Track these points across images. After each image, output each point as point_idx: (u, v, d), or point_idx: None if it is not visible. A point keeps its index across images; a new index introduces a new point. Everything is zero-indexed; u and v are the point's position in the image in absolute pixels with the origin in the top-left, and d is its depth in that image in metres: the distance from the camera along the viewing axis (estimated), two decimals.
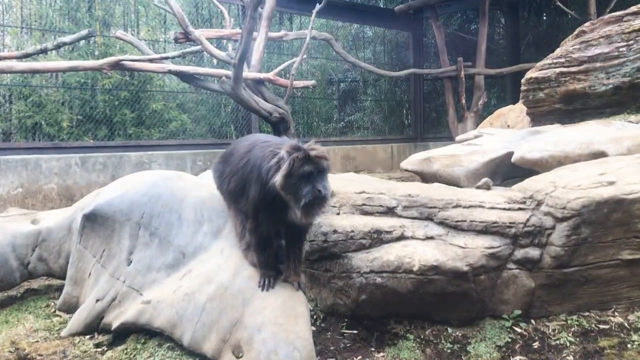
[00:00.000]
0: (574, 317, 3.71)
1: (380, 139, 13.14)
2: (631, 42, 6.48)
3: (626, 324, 3.55)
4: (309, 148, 3.16)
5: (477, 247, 3.69)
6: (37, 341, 3.78)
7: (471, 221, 3.85)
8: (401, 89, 14.53)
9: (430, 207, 4.03)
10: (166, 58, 8.20)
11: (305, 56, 9.31)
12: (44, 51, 7.29)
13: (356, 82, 14.32)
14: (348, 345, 3.72)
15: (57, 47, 7.35)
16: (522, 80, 7.29)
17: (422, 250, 3.74)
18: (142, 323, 3.61)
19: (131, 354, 3.56)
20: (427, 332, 3.70)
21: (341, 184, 4.47)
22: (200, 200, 3.98)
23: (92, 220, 4.01)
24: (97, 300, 3.84)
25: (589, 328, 3.58)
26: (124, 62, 8.00)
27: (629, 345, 3.34)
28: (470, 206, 3.96)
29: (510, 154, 6.02)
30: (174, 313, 3.52)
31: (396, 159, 12.40)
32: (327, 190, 3.16)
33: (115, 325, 3.71)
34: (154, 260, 3.83)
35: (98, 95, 9.78)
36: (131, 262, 3.87)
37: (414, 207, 4.07)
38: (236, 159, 3.58)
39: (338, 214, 4.20)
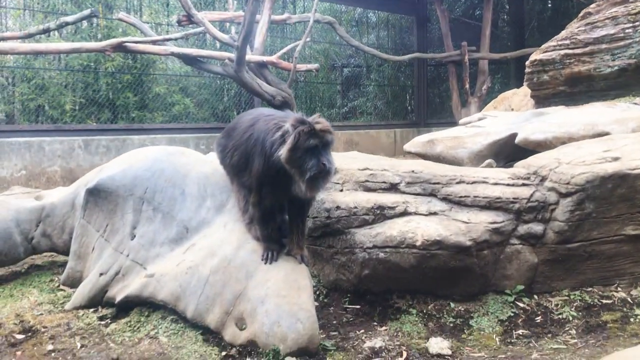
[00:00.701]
0: (577, 292, 3.71)
1: (383, 124, 13.11)
2: (637, 23, 6.43)
3: (629, 299, 3.55)
4: (314, 121, 3.15)
5: (481, 222, 3.69)
6: (42, 314, 3.80)
7: (475, 197, 3.84)
8: (405, 74, 14.47)
9: (434, 183, 4.02)
10: (169, 40, 8.17)
11: (308, 40, 9.27)
12: (46, 31, 7.27)
13: (359, 68, 14.27)
14: (351, 319, 3.74)
15: (60, 26, 7.32)
16: (527, 63, 7.24)
17: (425, 226, 3.74)
18: (146, 296, 3.63)
19: (135, 326, 3.58)
20: (429, 307, 3.71)
21: (344, 161, 4.47)
22: (204, 176, 3.98)
23: (96, 195, 4.02)
24: (101, 274, 3.85)
25: (591, 303, 3.58)
26: (126, 43, 7.98)
27: (631, 319, 3.34)
28: (474, 182, 3.96)
29: (514, 135, 5.99)
30: (177, 286, 3.53)
31: (399, 144, 12.39)
32: (331, 164, 3.16)
33: (118, 298, 3.72)
34: (157, 235, 3.84)
35: (101, 79, 9.76)
36: (135, 236, 3.88)
37: (417, 183, 4.07)
38: (239, 132, 3.57)
39: (341, 190, 4.19)
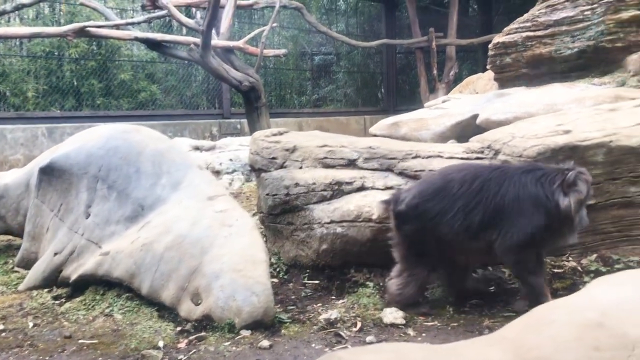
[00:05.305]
0: None
1: (353, 111, 13.15)
2: (595, 5, 6.51)
3: (579, 268, 3.63)
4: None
5: None
6: None
7: (429, 170, 3.88)
8: (374, 61, 14.52)
9: (390, 159, 4.05)
10: (132, 24, 8.08)
11: (275, 25, 9.24)
12: (2, 14, 7.10)
13: (329, 55, 14.26)
14: (309, 294, 3.76)
15: (16, 8, 7.18)
16: (490, 45, 7.30)
17: (381, 199, 3.75)
18: (101, 274, 3.59)
19: (89, 304, 3.54)
20: (386, 280, 3.74)
21: (305, 138, 4.47)
22: (159, 153, 3.94)
23: (49, 173, 3.95)
24: (55, 254, 3.80)
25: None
26: (89, 28, 7.87)
27: (580, 286, 3.41)
28: (429, 156, 3.99)
29: (476, 116, 6.05)
30: (132, 263, 3.51)
31: (369, 130, 12.42)
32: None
33: (73, 277, 3.68)
34: (112, 213, 3.80)
35: (65, 65, 9.60)
36: (89, 215, 3.83)
37: (375, 159, 4.09)
38: (464, 191, 3.18)
39: (300, 167, 4.20)
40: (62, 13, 9.72)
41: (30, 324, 3.34)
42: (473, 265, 3.62)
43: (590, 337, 1.55)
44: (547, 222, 3.06)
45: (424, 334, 3.08)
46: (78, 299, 3.61)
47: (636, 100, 4.51)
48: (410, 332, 3.12)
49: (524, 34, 6.95)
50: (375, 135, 7.12)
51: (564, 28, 6.67)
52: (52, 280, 3.78)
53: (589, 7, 6.56)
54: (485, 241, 3.17)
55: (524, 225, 3.08)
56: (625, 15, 6.09)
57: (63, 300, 3.65)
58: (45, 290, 3.76)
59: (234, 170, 6.66)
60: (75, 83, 9.56)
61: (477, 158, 3.95)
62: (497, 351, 1.56)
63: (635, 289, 1.69)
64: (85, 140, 4.02)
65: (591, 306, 1.69)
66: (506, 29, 7.24)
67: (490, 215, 3.11)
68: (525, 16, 7.14)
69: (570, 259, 3.73)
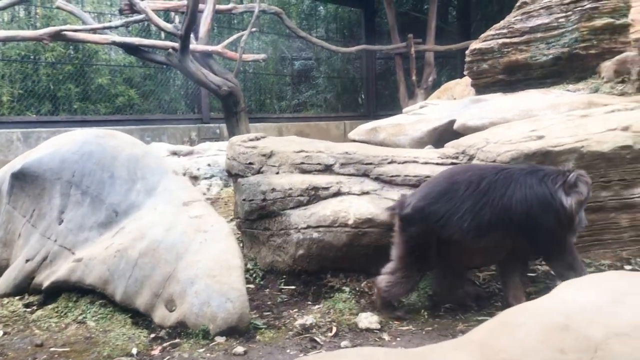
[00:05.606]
0: None
1: (333, 116, 13.18)
2: (569, 13, 6.63)
3: (552, 272, 3.67)
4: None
5: None
6: None
7: (405, 176, 3.91)
8: (354, 66, 14.58)
9: (367, 164, 4.07)
10: (109, 28, 8.00)
11: (255, 29, 9.22)
12: None
13: (309, 60, 14.29)
14: (285, 299, 3.75)
15: None
16: (467, 52, 7.38)
17: (357, 204, 3.78)
18: (74, 281, 3.54)
19: (62, 311, 3.49)
20: (362, 285, 3.75)
21: (282, 143, 4.47)
22: (134, 158, 3.90)
23: (21, 179, 3.89)
24: (27, 260, 3.73)
25: None
26: (65, 32, 7.77)
27: (552, 290, 3.46)
28: (404, 162, 4.02)
29: (453, 122, 6.10)
30: (105, 269, 3.47)
31: (348, 136, 12.47)
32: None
33: (46, 284, 3.62)
34: (86, 219, 3.75)
35: (41, 69, 9.48)
36: (62, 221, 3.78)
37: (351, 164, 4.10)
38: (470, 193, 3.23)
39: (277, 173, 4.19)
40: (38, 16, 9.61)
41: (0, 332, 3.29)
42: (473, 266, 3.69)
43: (556, 339, 1.57)
44: (556, 220, 3.17)
45: (398, 339, 3.09)
46: (50, 307, 3.56)
47: (608, 107, 4.60)
48: (385, 336, 3.13)
49: (500, 41, 7.04)
50: (354, 141, 7.14)
51: (539, 35, 6.78)
52: (24, 287, 3.72)
53: (564, 14, 6.67)
54: (493, 241, 3.23)
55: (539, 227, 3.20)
56: (598, 22, 6.21)
57: (35, 307, 3.59)
58: (17, 297, 3.69)
59: (212, 176, 6.62)
60: (52, 87, 9.44)
61: (452, 163, 3.99)
62: (464, 354, 1.57)
63: (599, 293, 1.72)
64: (59, 145, 3.97)
65: (557, 309, 1.71)
66: (483, 35, 7.32)
67: (498, 216, 3.18)
68: (502, 23, 7.23)
69: (543, 262, 3.77)
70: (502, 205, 3.17)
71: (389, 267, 3.42)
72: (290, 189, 4.00)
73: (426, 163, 3.99)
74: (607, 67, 6.02)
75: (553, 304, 1.79)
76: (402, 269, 3.36)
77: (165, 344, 3.11)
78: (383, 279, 3.41)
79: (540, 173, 3.24)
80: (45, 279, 3.65)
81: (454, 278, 3.49)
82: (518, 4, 7.29)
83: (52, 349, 3.07)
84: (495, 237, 3.22)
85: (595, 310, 1.64)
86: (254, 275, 4.05)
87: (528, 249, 3.34)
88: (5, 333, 3.28)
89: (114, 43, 8.24)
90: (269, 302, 3.72)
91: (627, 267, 3.65)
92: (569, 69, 6.63)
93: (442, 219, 3.22)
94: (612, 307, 1.63)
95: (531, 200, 3.15)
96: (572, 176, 3.15)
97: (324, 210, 3.83)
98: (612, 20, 6.15)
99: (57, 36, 7.71)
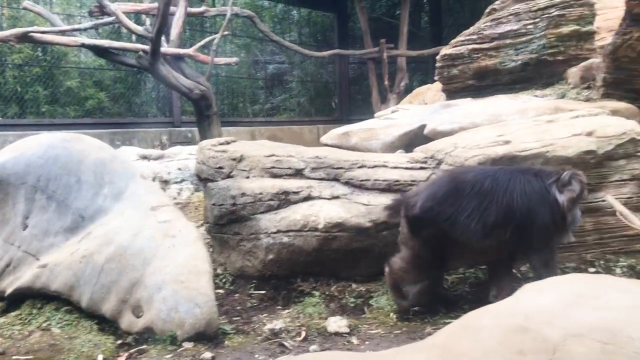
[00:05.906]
0: (472, 270, 3.86)
1: (306, 120, 13.18)
2: (537, 20, 6.75)
3: (518, 274, 3.73)
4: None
5: (380, 205, 3.76)
6: None
7: (375, 180, 3.93)
8: (327, 71, 14.63)
9: (337, 168, 4.08)
10: (78, 30, 7.88)
11: (227, 33, 9.18)
12: None
13: (283, 64, 14.29)
14: (255, 304, 3.74)
15: None
16: (437, 57, 7.46)
17: (327, 209, 3.79)
18: (38, 287, 3.48)
19: (25, 318, 3.43)
20: (332, 289, 3.76)
21: (252, 147, 4.46)
22: (101, 162, 3.85)
23: None
24: None
25: (484, 279, 3.74)
26: (32, 34, 7.62)
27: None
28: (374, 166, 4.05)
29: (424, 126, 6.16)
30: (71, 275, 3.41)
31: (320, 140, 12.49)
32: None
33: (9, 291, 3.54)
34: (51, 225, 3.68)
35: (7, 71, 9.28)
36: (27, 226, 3.71)
37: (322, 169, 4.11)
38: (475, 192, 3.26)
39: (247, 177, 4.18)
40: (4, 17, 9.41)
41: None
42: (474, 264, 3.78)
43: (515, 341, 1.60)
44: (550, 214, 3.22)
45: (367, 342, 3.11)
46: (13, 314, 3.48)
47: (573, 112, 4.69)
48: (354, 340, 3.14)
49: (470, 47, 7.13)
50: (326, 145, 7.16)
51: (508, 41, 6.88)
52: None
53: (532, 21, 6.79)
54: (498, 239, 3.25)
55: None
56: (565, 29, 6.34)
57: None
58: None
59: (183, 180, 6.56)
60: (19, 90, 9.24)
61: (421, 168, 4.03)
62: (426, 357, 1.59)
63: (558, 295, 1.75)
64: (24, 149, 3.89)
65: (517, 311, 1.74)
66: (453, 41, 7.41)
67: (503, 213, 3.22)
68: (472, 29, 7.33)
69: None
70: (506, 202, 3.22)
71: (401, 255, 3.45)
72: (261, 193, 3.99)
73: (395, 167, 4.01)
74: (574, 73, 6.15)
75: (514, 306, 1.82)
76: (414, 268, 3.40)
77: (132, 350, 3.07)
78: (396, 263, 3.44)
79: (533, 169, 3.36)
80: (9, 285, 3.58)
81: (440, 279, 3.57)
82: (488, 10, 7.41)
83: (14, 357, 3.01)
84: (499, 234, 3.25)
85: (553, 312, 1.67)
86: (223, 280, 4.03)
87: (522, 246, 3.36)
88: None
89: (83, 45, 8.11)
90: (238, 307, 3.70)
91: (591, 269, 3.72)
92: (537, 74, 6.75)
93: (450, 219, 3.25)
94: (569, 308, 1.66)
95: (530, 193, 3.22)
96: (565, 174, 3.22)
97: (295, 214, 3.84)
98: (578, 27, 6.29)
99: (24, 38, 7.56)
